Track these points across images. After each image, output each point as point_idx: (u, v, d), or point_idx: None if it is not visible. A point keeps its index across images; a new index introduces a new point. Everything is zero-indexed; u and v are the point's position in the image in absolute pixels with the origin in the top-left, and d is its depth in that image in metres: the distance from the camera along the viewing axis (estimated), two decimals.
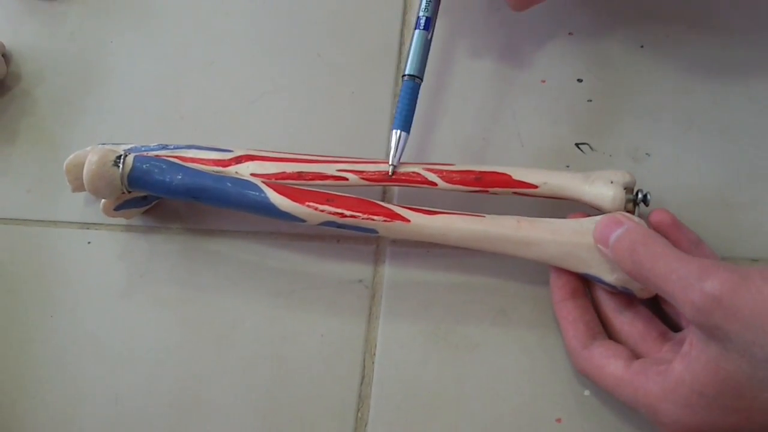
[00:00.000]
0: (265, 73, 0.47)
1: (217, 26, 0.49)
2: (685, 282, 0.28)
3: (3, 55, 0.48)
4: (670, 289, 0.28)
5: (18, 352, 0.40)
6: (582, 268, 0.34)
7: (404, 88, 0.39)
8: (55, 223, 0.43)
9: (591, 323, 0.34)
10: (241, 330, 0.39)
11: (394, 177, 0.38)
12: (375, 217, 0.36)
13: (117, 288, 0.41)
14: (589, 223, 0.34)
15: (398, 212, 0.36)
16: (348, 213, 0.36)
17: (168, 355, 0.39)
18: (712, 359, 0.27)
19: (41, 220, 0.43)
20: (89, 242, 0.42)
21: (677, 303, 0.28)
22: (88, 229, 0.43)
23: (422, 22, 0.40)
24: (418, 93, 0.39)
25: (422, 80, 0.40)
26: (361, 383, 0.37)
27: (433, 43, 0.41)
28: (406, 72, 0.39)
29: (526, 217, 0.35)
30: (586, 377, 0.34)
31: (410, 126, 0.39)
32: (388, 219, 0.36)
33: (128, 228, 0.42)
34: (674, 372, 0.29)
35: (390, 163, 0.38)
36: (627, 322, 0.34)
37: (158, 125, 0.46)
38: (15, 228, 0.43)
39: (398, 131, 0.38)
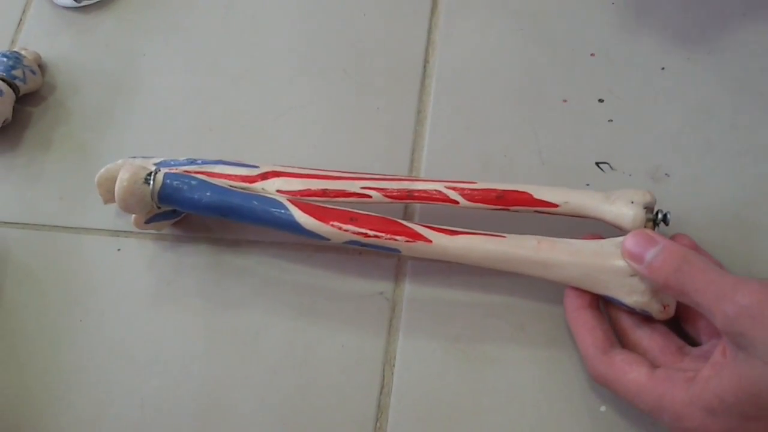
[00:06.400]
0: (292, 88, 0.47)
1: (247, 41, 0.50)
2: (720, 294, 0.29)
3: (39, 66, 0.49)
4: (705, 302, 0.29)
5: (47, 355, 0.40)
6: (600, 290, 0.34)
7: None
8: (86, 230, 0.44)
9: (608, 332, 0.34)
10: (265, 339, 0.39)
11: (416, 195, 0.38)
12: (398, 237, 0.36)
13: (145, 295, 0.41)
14: (609, 245, 0.34)
15: (420, 232, 0.36)
16: (371, 233, 0.36)
17: (193, 362, 0.39)
18: (738, 366, 0.28)
19: (73, 227, 0.44)
20: (119, 249, 0.43)
21: (710, 314, 0.29)
22: (118, 237, 0.44)
23: None
24: None
25: None
26: (381, 393, 0.37)
27: (456, 63, 0.41)
28: None
29: (546, 238, 0.35)
30: (603, 384, 0.33)
31: None
32: (411, 239, 0.36)
33: (157, 237, 0.43)
34: (702, 378, 0.29)
35: None
36: (646, 337, 0.34)
37: (187, 137, 0.46)
38: (47, 234, 0.44)
39: None
